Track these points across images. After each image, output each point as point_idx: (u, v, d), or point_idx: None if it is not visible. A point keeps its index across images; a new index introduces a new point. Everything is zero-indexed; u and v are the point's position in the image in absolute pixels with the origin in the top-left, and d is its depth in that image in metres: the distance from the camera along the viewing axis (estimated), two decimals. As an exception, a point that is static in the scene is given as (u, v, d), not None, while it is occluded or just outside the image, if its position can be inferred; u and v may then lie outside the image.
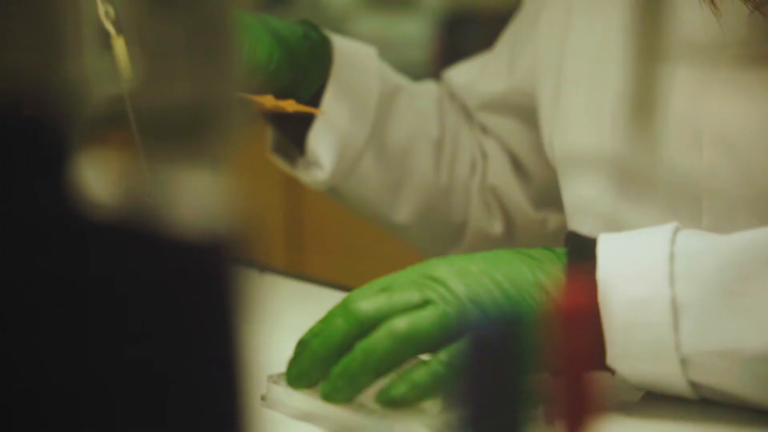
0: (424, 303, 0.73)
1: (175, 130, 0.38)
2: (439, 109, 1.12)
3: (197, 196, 0.36)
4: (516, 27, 1.10)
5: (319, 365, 0.73)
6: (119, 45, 0.85)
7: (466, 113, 1.14)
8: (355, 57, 1.04)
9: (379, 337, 0.72)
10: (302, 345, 0.74)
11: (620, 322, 0.73)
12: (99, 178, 0.36)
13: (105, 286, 0.35)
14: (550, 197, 1.10)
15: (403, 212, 1.08)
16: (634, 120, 0.92)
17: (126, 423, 0.36)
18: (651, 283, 0.73)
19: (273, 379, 0.76)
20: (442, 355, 0.72)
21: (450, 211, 1.11)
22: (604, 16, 0.95)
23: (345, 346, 0.73)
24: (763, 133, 0.85)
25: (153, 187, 0.37)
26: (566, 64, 0.98)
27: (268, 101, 0.93)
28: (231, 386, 0.36)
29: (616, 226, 0.93)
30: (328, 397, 0.73)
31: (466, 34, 2.34)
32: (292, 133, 1.04)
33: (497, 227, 1.11)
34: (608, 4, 0.94)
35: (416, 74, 1.18)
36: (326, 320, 0.74)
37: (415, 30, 2.45)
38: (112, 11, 0.82)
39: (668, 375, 0.73)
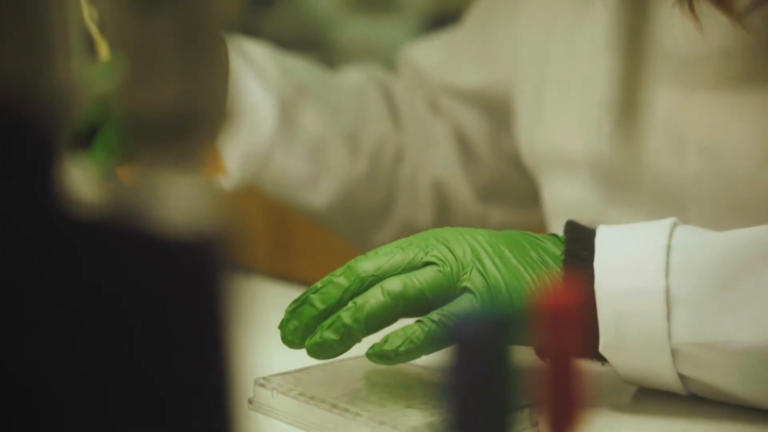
0: (425, 264, 0.74)
1: (160, 132, 0.38)
2: (355, 102, 1.13)
3: (183, 198, 0.36)
4: (487, 16, 1.10)
5: (316, 320, 0.74)
6: (103, 48, 0.85)
7: (412, 93, 1.14)
8: (252, 63, 1.07)
9: (373, 292, 0.73)
10: (302, 300, 0.75)
11: (613, 311, 0.73)
12: (86, 180, 0.36)
13: (91, 287, 0.35)
14: (496, 191, 1.10)
15: (322, 199, 1.11)
16: (619, 126, 0.92)
17: (113, 423, 0.36)
18: (646, 273, 0.73)
19: (259, 382, 0.76)
20: (435, 315, 0.72)
21: (370, 198, 1.12)
22: (588, 24, 0.95)
23: (344, 302, 0.73)
24: (746, 143, 0.85)
25: (138, 189, 0.37)
26: (550, 69, 0.98)
27: None
28: (219, 388, 0.36)
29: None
30: (315, 349, 0.73)
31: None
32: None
33: (426, 217, 1.13)
34: (592, 14, 0.94)
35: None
36: (328, 278, 0.75)
37: (399, 33, 2.45)
38: (96, 14, 0.82)
39: (658, 367, 0.74)
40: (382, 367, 0.80)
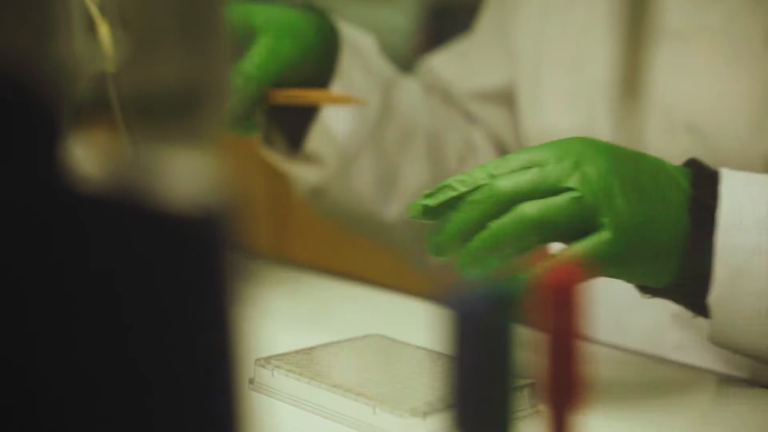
0: (563, 191, 0.72)
1: (163, 108, 0.38)
2: (426, 102, 1.10)
3: (187, 174, 0.36)
4: (499, 16, 1.10)
5: (456, 240, 0.73)
6: (103, 28, 0.85)
7: (448, 104, 1.13)
8: (359, 52, 1.03)
9: (509, 220, 0.72)
10: (446, 192, 0.74)
11: (731, 266, 0.73)
12: (88, 156, 0.36)
13: (95, 262, 0.35)
14: None
15: (394, 210, 1.06)
16: (616, 105, 0.92)
17: (113, 398, 0.36)
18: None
19: (260, 362, 0.76)
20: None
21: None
22: (583, 5, 0.95)
23: (482, 224, 0.73)
24: (734, 120, 0.85)
25: (139, 165, 0.37)
26: (545, 49, 0.98)
27: (317, 95, 0.95)
28: (222, 366, 0.36)
29: None
30: (461, 270, 0.73)
31: (451, 23, 2.34)
32: (288, 127, 1.03)
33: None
34: None
35: (402, 63, 1.17)
36: (470, 194, 0.73)
37: (400, 19, 2.45)
38: (97, -5, 0.82)
39: (764, 332, 0.74)
40: (383, 348, 0.80)
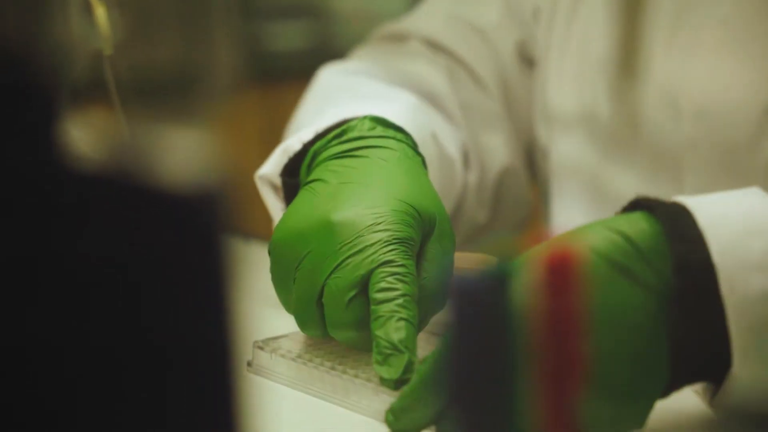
0: None
1: (161, 88, 0.38)
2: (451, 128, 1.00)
3: (182, 155, 0.36)
4: None
5: None
6: (100, 10, 0.85)
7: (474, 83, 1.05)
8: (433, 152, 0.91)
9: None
10: None
11: (752, 319, 0.60)
12: (85, 136, 0.36)
13: (92, 241, 0.35)
14: None
15: None
16: (616, 85, 0.92)
17: (112, 379, 0.36)
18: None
19: (258, 345, 0.76)
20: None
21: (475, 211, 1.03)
22: None
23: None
24: (742, 109, 0.85)
25: (136, 144, 0.36)
26: (555, 29, 0.98)
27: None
28: (220, 346, 0.36)
29: (599, 186, 0.93)
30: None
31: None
32: None
33: (483, 216, 1.03)
34: None
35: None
36: None
37: (394, 4, 2.44)
38: (92, -24, 0.82)
39: None
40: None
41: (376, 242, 0.71)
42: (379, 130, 0.79)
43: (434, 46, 1.04)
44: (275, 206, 0.84)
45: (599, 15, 0.93)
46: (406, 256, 0.71)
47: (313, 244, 0.73)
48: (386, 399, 0.69)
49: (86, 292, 0.35)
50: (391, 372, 0.68)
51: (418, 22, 1.06)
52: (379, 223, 0.72)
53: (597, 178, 0.94)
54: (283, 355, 0.75)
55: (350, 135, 0.79)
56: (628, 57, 0.91)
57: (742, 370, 0.60)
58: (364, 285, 0.71)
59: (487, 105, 1.03)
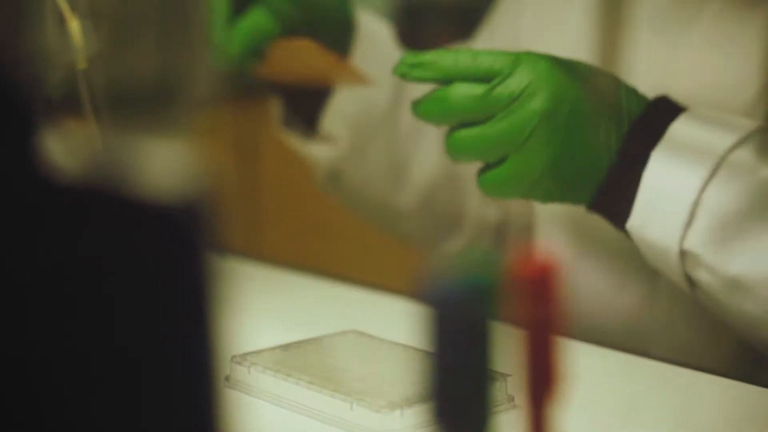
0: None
1: (140, 99, 0.38)
2: None
3: (160, 165, 0.36)
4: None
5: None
6: (74, 23, 0.84)
7: None
8: (374, 37, 1.01)
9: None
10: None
11: (648, 202, 0.79)
12: (62, 148, 0.35)
13: (71, 252, 0.34)
14: None
15: (407, 196, 1.04)
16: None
17: (88, 390, 0.36)
18: (689, 180, 0.79)
19: (236, 359, 0.76)
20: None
21: (452, 199, 1.06)
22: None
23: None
24: (725, 104, 0.85)
25: (114, 155, 0.36)
26: (523, 36, 0.98)
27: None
28: (200, 359, 0.36)
29: None
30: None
31: (422, 21, 2.33)
32: (305, 110, 1.01)
33: (493, 213, 1.05)
34: None
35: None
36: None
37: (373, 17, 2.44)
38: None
39: (670, 263, 0.80)
40: (359, 344, 0.80)
41: None
42: None
43: None
44: None
45: (579, 13, 0.93)
46: None
47: None
48: (364, 413, 0.69)
49: (64, 302, 0.34)
50: None
51: None
52: None
53: None
54: (261, 370, 0.75)
55: None
56: (611, 56, 0.91)
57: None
58: None
59: None
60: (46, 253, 0.35)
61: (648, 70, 0.88)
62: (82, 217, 0.35)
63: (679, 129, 0.80)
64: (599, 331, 0.90)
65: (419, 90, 0.82)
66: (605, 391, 0.76)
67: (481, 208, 1.05)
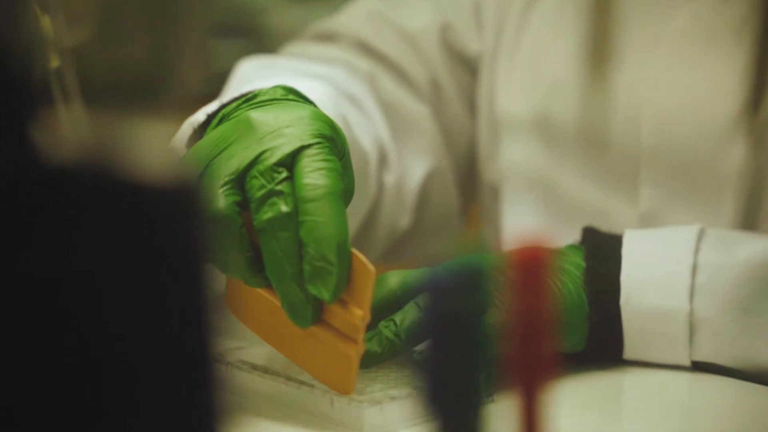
0: None
1: (130, 86, 0.38)
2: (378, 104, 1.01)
3: (154, 148, 0.35)
4: None
5: None
6: (45, 21, 0.84)
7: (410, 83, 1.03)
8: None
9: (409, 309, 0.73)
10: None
11: (638, 328, 0.77)
12: (50, 138, 0.35)
13: (68, 235, 0.34)
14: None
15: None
16: (576, 94, 0.92)
17: (82, 373, 0.35)
18: (672, 294, 0.77)
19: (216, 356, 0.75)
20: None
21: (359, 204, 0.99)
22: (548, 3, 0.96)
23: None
24: (701, 123, 0.86)
25: (105, 141, 0.36)
26: (504, 36, 0.98)
27: None
28: (201, 337, 0.35)
29: (553, 193, 0.93)
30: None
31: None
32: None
33: (405, 221, 1.01)
34: None
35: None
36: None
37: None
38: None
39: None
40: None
41: (300, 132, 0.69)
42: (292, 98, 0.76)
43: (362, 47, 1.02)
44: None
45: (558, 21, 0.93)
46: (331, 153, 0.69)
47: (234, 137, 0.69)
48: (344, 408, 0.69)
49: (60, 284, 0.34)
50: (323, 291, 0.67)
51: (347, 21, 1.05)
52: (302, 119, 0.70)
53: (551, 184, 0.94)
54: (238, 366, 0.74)
55: (261, 98, 0.75)
56: (589, 67, 0.91)
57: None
58: (289, 167, 0.68)
59: (412, 107, 1.01)
60: (42, 239, 0.34)
61: (625, 86, 0.88)
62: (76, 200, 0.35)
63: (632, 253, 0.78)
64: None
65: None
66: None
67: (390, 213, 1.00)
